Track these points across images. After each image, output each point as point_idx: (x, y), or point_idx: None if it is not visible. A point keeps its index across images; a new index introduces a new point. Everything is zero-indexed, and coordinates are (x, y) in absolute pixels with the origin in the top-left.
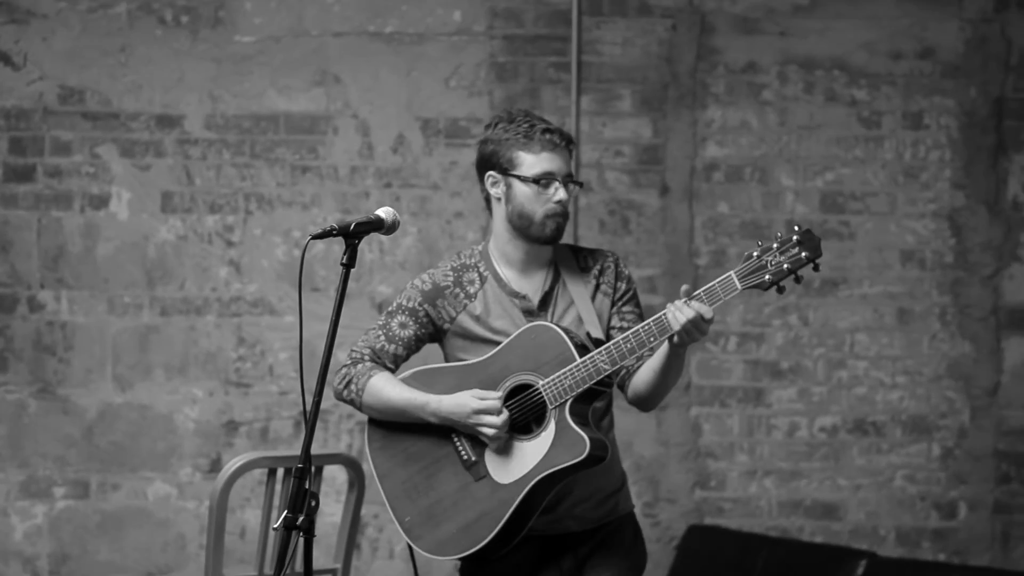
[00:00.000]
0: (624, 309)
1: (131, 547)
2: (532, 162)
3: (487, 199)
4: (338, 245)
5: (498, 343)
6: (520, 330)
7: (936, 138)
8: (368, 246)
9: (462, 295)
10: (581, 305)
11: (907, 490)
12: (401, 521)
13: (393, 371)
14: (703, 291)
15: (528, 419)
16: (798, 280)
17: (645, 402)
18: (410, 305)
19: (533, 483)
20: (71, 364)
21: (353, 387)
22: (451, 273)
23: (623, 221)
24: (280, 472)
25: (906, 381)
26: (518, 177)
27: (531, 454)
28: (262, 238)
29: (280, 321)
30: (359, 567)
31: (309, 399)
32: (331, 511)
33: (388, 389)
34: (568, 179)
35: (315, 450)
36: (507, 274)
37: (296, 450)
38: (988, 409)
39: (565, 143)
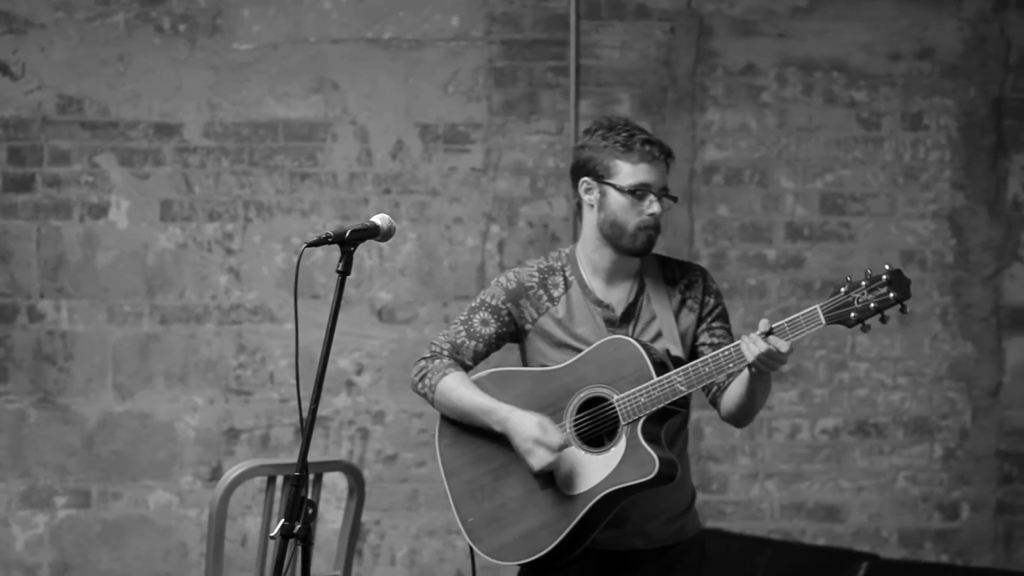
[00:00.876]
0: (714, 325)
1: (132, 556)
2: (629, 172)
3: (579, 204)
4: (337, 252)
5: (578, 349)
6: (600, 342)
7: (936, 139)
8: (368, 252)
9: (545, 297)
10: (663, 320)
11: (909, 491)
12: (464, 521)
13: (471, 367)
14: (786, 322)
15: (600, 433)
16: (884, 320)
17: (737, 420)
18: (493, 303)
19: (598, 498)
20: (71, 373)
21: (427, 382)
22: (536, 274)
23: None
24: (280, 480)
25: (907, 382)
26: (613, 186)
27: (599, 469)
28: (261, 245)
29: (280, 328)
30: (360, 574)
31: (307, 406)
32: (332, 518)
33: (460, 390)
34: (663, 192)
35: (315, 457)
36: (592, 282)
37: (297, 457)
38: (990, 409)
39: (664, 156)
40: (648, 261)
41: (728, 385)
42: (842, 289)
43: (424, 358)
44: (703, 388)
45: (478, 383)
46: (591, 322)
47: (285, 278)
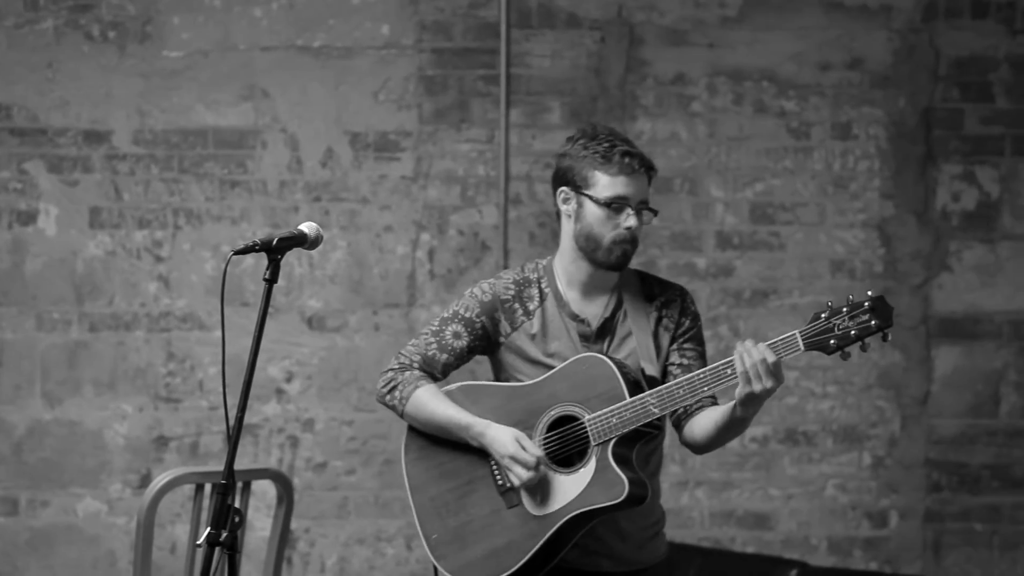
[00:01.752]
0: (685, 346)
1: (61, 564)
2: (607, 184)
3: (557, 214)
4: (266, 260)
5: (550, 366)
6: (573, 359)
7: (865, 148)
8: (297, 260)
9: (520, 311)
10: (640, 338)
11: (838, 499)
12: (427, 537)
13: (440, 379)
14: (766, 344)
15: (570, 452)
16: (864, 348)
17: (698, 449)
18: (467, 315)
19: (565, 520)
20: (0, 381)
21: (398, 394)
22: (512, 287)
23: (553, 234)
24: (208, 487)
25: (837, 391)
26: (590, 198)
27: (568, 489)
28: (191, 253)
29: (210, 336)
30: None
31: (234, 414)
32: (262, 526)
33: (434, 403)
34: (642, 206)
35: (245, 465)
36: (569, 295)
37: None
38: (919, 418)
39: (645, 169)
40: (628, 276)
41: (696, 411)
42: (822, 315)
43: (392, 369)
44: None
45: (449, 395)
46: (565, 337)
47: (215, 285)
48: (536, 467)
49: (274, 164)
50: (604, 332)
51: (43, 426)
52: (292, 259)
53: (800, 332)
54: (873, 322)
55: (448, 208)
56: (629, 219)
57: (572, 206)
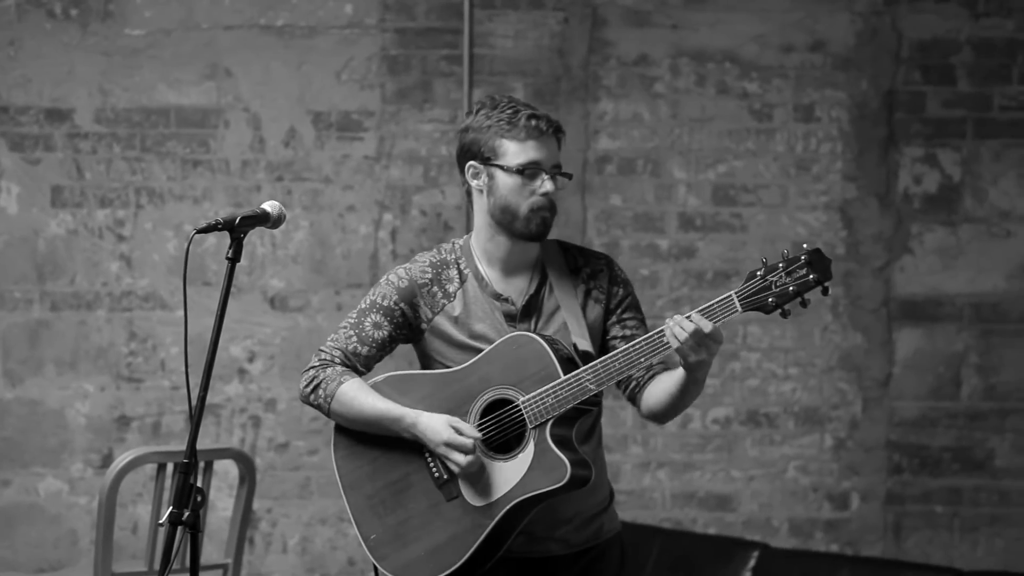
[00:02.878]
0: (625, 316)
1: (22, 543)
2: (516, 150)
3: (468, 192)
4: (229, 239)
5: (477, 349)
6: (502, 339)
7: (827, 130)
8: (260, 240)
9: (440, 294)
10: (569, 312)
11: (799, 481)
12: (366, 539)
13: (363, 373)
14: (699, 310)
15: (507, 437)
16: (804, 304)
17: (659, 418)
18: (385, 304)
19: (507, 508)
20: None
21: (321, 392)
22: (429, 269)
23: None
24: (170, 467)
25: (798, 373)
26: (501, 167)
27: (508, 476)
28: (153, 232)
29: (171, 315)
30: (252, 561)
31: (196, 394)
32: (224, 506)
33: (360, 398)
34: (556, 170)
35: (207, 445)
36: (489, 274)
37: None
38: (880, 400)
39: (552, 130)
40: (550, 249)
41: (648, 381)
42: (758, 272)
43: (313, 367)
44: (618, 385)
45: (376, 388)
46: (490, 317)
47: (176, 265)
48: (473, 450)
49: (236, 143)
50: (530, 310)
51: (4, 405)
52: (254, 238)
53: (736, 292)
54: (811, 276)
55: (411, 188)
56: (545, 184)
57: (483, 180)
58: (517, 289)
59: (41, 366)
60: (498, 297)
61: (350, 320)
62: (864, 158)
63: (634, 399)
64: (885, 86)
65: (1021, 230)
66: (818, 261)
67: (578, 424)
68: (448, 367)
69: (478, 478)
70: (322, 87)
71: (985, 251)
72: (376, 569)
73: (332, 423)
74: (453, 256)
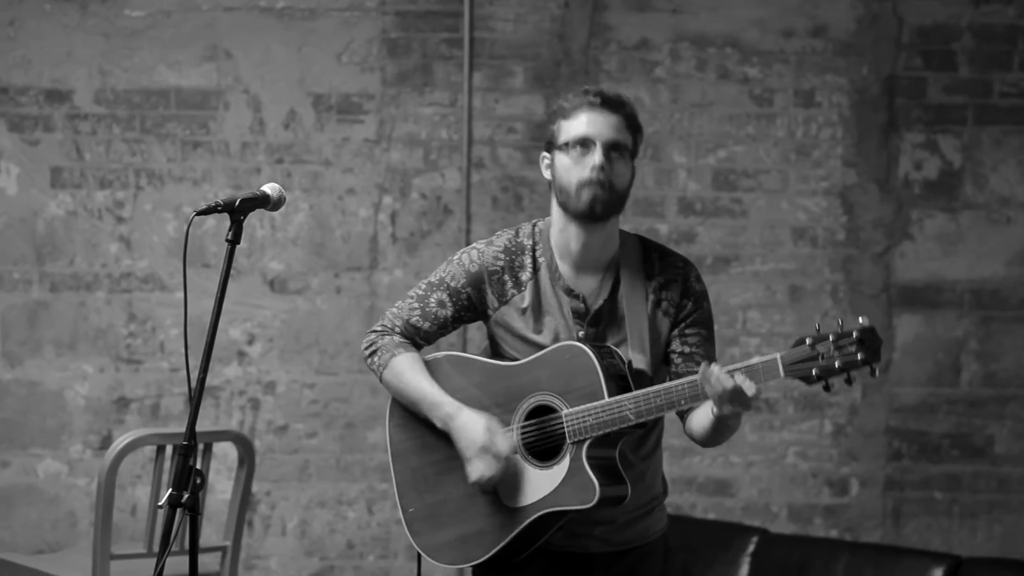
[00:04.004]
0: (688, 332)
1: (21, 524)
2: (567, 127)
3: (549, 185)
4: (228, 221)
5: (539, 345)
6: (557, 345)
7: (828, 116)
8: (259, 222)
9: (510, 283)
10: (634, 324)
11: (799, 467)
12: (404, 510)
13: (422, 346)
14: (743, 367)
15: (547, 446)
16: (849, 382)
17: (699, 444)
18: (453, 284)
19: (534, 518)
20: None
21: (377, 359)
22: (503, 255)
23: (516, 198)
24: (169, 449)
25: None
26: (558, 147)
27: (540, 485)
28: (152, 214)
29: (171, 297)
30: (251, 544)
31: (196, 376)
32: (223, 488)
33: (409, 374)
34: (614, 146)
35: (206, 427)
36: (563, 267)
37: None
38: (879, 386)
39: (608, 105)
40: (628, 247)
41: (697, 407)
42: (807, 340)
43: (375, 331)
44: None
45: (434, 363)
46: (557, 312)
47: (176, 247)
48: (504, 460)
49: (236, 125)
50: (599, 314)
51: (3, 386)
52: (254, 221)
53: (782, 357)
54: (859, 355)
55: (411, 171)
56: (595, 156)
57: (547, 165)
58: (589, 287)
59: (40, 347)
60: (569, 292)
61: (418, 291)
62: (864, 144)
63: (682, 415)
64: (886, 72)
65: (1021, 216)
66: (870, 340)
67: (624, 440)
68: (509, 354)
69: (513, 479)
70: (322, 69)
71: (985, 237)
72: (419, 556)
73: (331, 405)
74: (531, 241)
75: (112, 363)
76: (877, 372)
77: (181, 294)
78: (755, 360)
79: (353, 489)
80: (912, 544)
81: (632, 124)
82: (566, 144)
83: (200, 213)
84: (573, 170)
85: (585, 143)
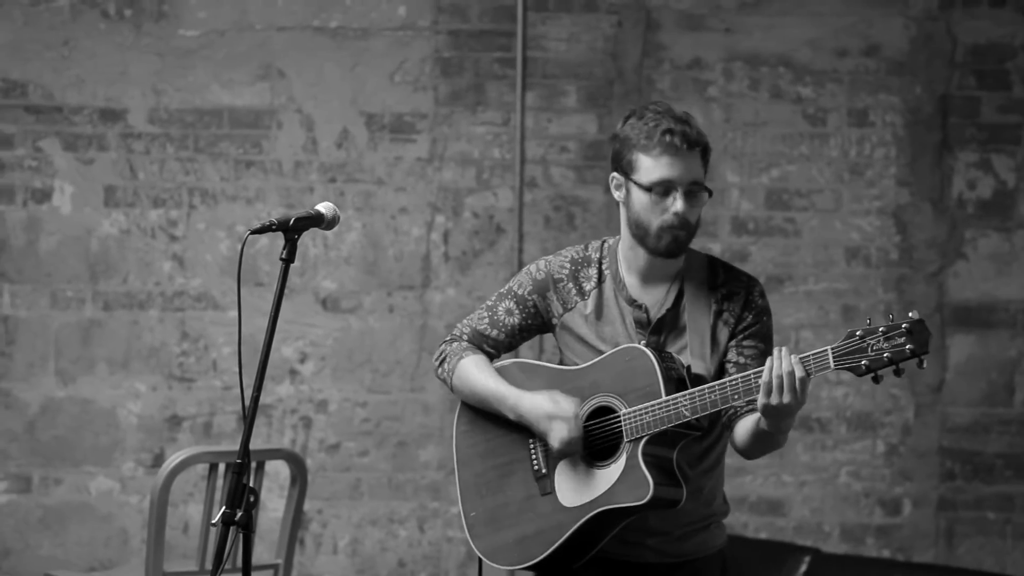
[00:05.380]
0: (745, 343)
1: (73, 542)
2: (649, 167)
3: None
4: (282, 240)
5: (601, 351)
6: (618, 348)
7: (881, 135)
8: (312, 241)
9: (575, 291)
10: (695, 332)
11: (851, 487)
12: (466, 515)
13: (493, 355)
14: (797, 358)
15: (606, 445)
16: (898, 373)
17: (745, 453)
18: (520, 292)
19: (591, 515)
20: (13, 358)
21: (447, 366)
22: (568, 265)
23: (568, 217)
24: (222, 467)
25: (851, 378)
26: (636, 183)
27: (598, 484)
28: (206, 232)
29: (224, 316)
30: (303, 562)
31: (250, 394)
32: (274, 506)
33: (476, 374)
34: (694, 187)
35: (258, 445)
36: (628, 279)
37: (239, 445)
38: (932, 406)
39: (689, 145)
40: (694, 262)
41: (745, 414)
42: (858, 332)
43: (445, 341)
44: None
45: (502, 369)
46: (619, 321)
47: (229, 265)
48: (573, 420)
49: (289, 144)
50: (661, 323)
51: (56, 404)
52: (307, 240)
53: (832, 348)
54: (908, 347)
55: (463, 190)
56: (676, 203)
57: (622, 193)
58: (653, 299)
59: (93, 365)
60: (632, 303)
61: (488, 303)
62: (918, 163)
63: (730, 426)
64: (939, 91)
65: None
66: (919, 332)
67: (683, 445)
68: (573, 361)
69: (571, 479)
70: (375, 89)
71: None
72: (480, 559)
73: (383, 424)
74: (598, 255)
75: (165, 381)
76: (925, 363)
77: (233, 313)
78: (807, 353)
79: (404, 508)
80: (965, 564)
81: (706, 154)
82: (643, 185)
83: (255, 232)
84: (653, 211)
85: (666, 186)
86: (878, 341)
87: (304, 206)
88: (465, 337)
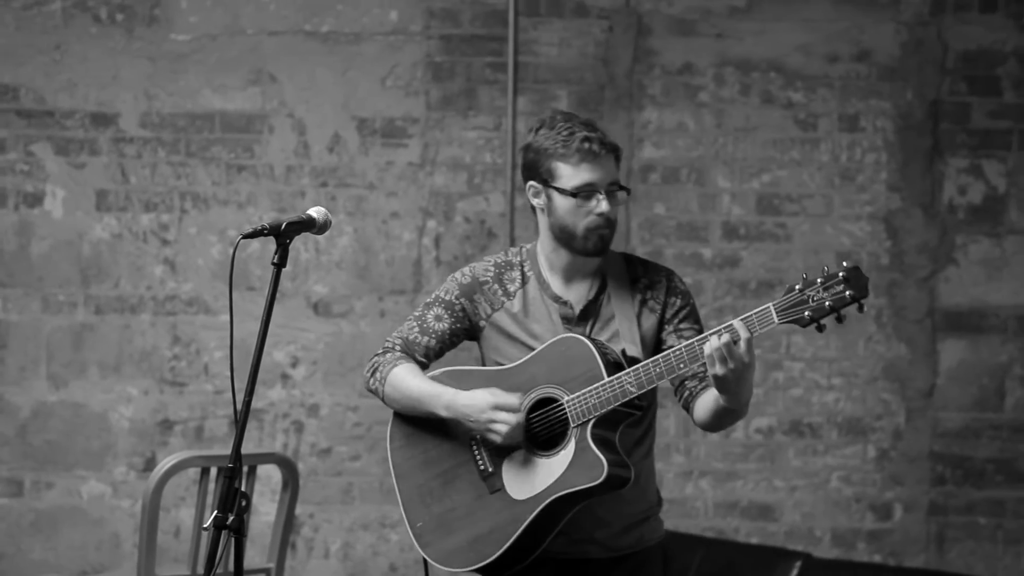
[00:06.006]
0: (682, 326)
1: (65, 546)
2: (571, 173)
3: (532, 207)
4: (273, 244)
5: (532, 347)
6: (551, 340)
7: (872, 140)
8: (304, 245)
9: (500, 292)
10: (623, 320)
11: (842, 491)
12: (413, 526)
13: (425, 363)
14: (740, 319)
15: (550, 435)
16: (840, 320)
17: (706, 428)
18: (447, 298)
19: (546, 503)
20: (5, 362)
21: (378, 375)
22: (492, 268)
23: None
24: (213, 471)
25: (842, 383)
26: (557, 189)
27: (548, 472)
28: (197, 237)
29: (215, 320)
30: (294, 567)
31: (241, 399)
32: (266, 510)
33: (409, 379)
34: (613, 187)
35: (249, 449)
36: (551, 278)
37: (231, 449)
38: (923, 411)
39: (606, 150)
40: (612, 259)
41: (700, 392)
42: (797, 286)
43: (376, 354)
44: (675, 391)
45: (435, 378)
46: (547, 319)
47: (221, 270)
48: (519, 409)
49: (281, 149)
50: (587, 315)
51: (48, 408)
52: (299, 244)
53: (774, 304)
54: (848, 292)
55: (455, 195)
56: (600, 204)
57: (542, 199)
58: (577, 294)
59: (85, 369)
60: (557, 299)
61: (415, 313)
62: (909, 168)
63: (688, 408)
64: (930, 96)
65: None
66: (856, 278)
67: (623, 429)
68: (505, 363)
69: (520, 473)
70: (367, 93)
71: None
72: (425, 561)
73: (374, 428)
74: (519, 259)
75: (156, 385)
76: (865, 308)
77: (225, 317)
78: (750, 313)
79: (396, 512)
80: (956, 569)
81: (619, 157)
82: (566, 190)
83: (246, 236)
84: (578, 214)
85: (590, 190)
86: (817, 292)
87: (296, 210)
88: (397, 347)
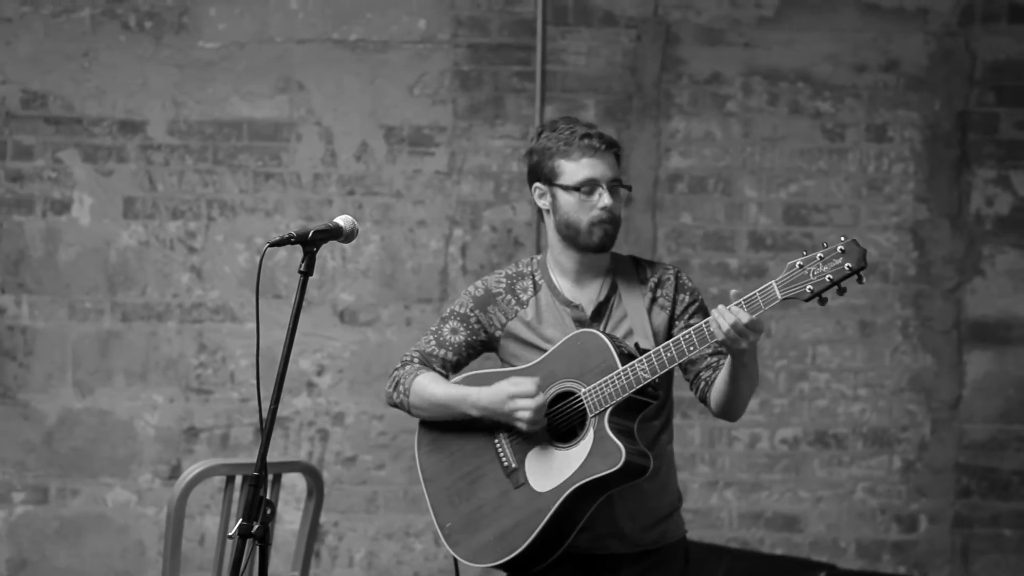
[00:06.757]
0: (692, 322)
1: (90, 553)
2: (573, 169)
3: (539, 211)
4: (300, 252)
5: (547, 350)
6: (567, 337)
7: (900, 151)
8: (330, 254)
9: (514, 302)
10: (634, 317)
11: (868, 503)
12: (442, 527)
13: (443, 375)
14: (744, 300)
15: (571, 427)
16: (841, 292)
17: (726, 413)
18: (462, 311)
19: (568, 492)
20: (31, 369)
21: (401, 388)
22: (504, 280)
23: None
24: (239, 479)
25: (868, 394)
26: (561, 187)
27: (569, 463)
28: (224, 244)
29: (241, 328)
30: (318, 575)
31: (267, 407)
32: (291, 519)
33: (432, 386)
34: (615, 183)
35: (274, 457)
36: (562, 283)
37: (256, 457)
38: (949, 422)
39: (606, 146)
40: (622, 261)
41: (715, 379)
42: (797, 263)
43: (396, 368)
44: (690, 386)
45: (457, 383)
46: (560, 323)
47: (247, 277)
48: (536, 394)
49: (308, 157)
50: (599, 315)
51: (74, 415)
52: (325, 252)
53: (776, 281)
54: (847, 265)
55: (481, 204)
56: (602, 198)
57: (547, 200)
58: (587, 297)
59: (111, 376)
60: (569, 304)
61: (432, 328)
62: (936, 179)
63: (705, 399)
64: (958, 107)
65: None
66: (853, 251)
67: (640, 420)
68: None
69: (542, 465)
70: (394, 102)
71: None
72: (456, 563)
73: (399, 437)
74: (529, 269)
75: (182, 393)
76: (864, 279)
77: (251, 325)
78: (754, 291)
79: (420, 521)
80: None
81: (620, 156)
82: (569, 186)
83: (273, 244)
84: (581, 209)
85: (592, 184)
86: (817, 266)
87: (322, 218)
88: (416, 360)
